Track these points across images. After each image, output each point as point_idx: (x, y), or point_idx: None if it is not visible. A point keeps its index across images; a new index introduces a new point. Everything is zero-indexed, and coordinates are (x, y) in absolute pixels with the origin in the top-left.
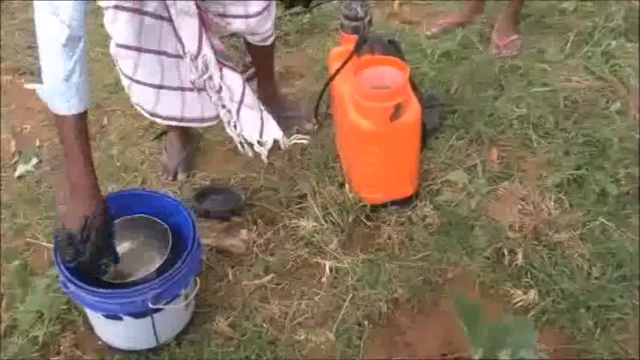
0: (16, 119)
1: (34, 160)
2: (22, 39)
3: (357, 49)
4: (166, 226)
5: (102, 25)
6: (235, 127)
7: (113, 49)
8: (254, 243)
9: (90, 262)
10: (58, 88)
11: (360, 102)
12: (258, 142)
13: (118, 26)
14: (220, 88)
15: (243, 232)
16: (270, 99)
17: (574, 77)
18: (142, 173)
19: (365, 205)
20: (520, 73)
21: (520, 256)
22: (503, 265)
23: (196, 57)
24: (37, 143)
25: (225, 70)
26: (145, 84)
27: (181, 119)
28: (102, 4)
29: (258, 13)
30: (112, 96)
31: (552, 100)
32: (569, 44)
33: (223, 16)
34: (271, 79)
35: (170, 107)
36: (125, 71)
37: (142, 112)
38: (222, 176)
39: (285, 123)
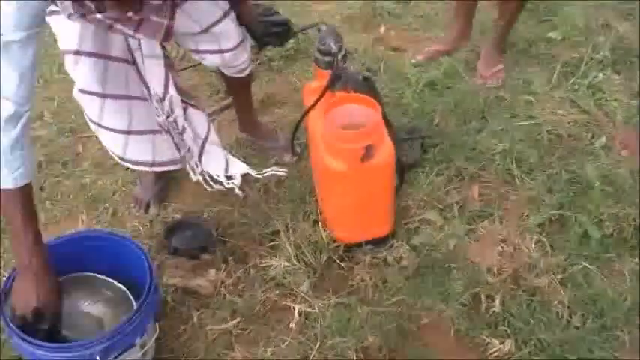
0: None
1: None
2: None
3: (331, 85)
4: (124, 288)
5: None
6: (197, 165)
7: (76, 94)
8: (222, 283)
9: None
10: (2, 161)
11: (330, 142)
12: (227, 178)
13: (80, 71)
14: (184, 129)
15: (212, 271)
16: (249, 128)
17: (559, 110)
18: (112, 204)
19: (339, 245)
20: (505, 104)
21: (497, 302)
22: (479, 311)
23: (163, 99)
24: None
25: (190, 109)
26: (113, 130)
27: (152, 164)
28: (62, 47)
29: (232, 49)
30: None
31: (536, 134)
32: (555, 75)
33: (196, 51)
34: (249, 108)
35: (140, 152)
36: (91, 117)
37: (113, 156)
38: (196, 209)
39: (263, 153)
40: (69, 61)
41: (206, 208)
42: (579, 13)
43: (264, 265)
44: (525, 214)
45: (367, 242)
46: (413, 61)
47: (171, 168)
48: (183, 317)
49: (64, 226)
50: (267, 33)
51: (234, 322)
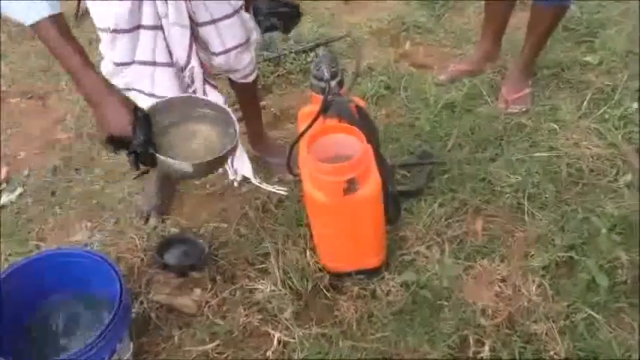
0: (14, 144)
1: (19, 190)
2: (37, 62)
3: (322, 112)
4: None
5: None
6: None
7: (106, 67)
8: (207, 303)
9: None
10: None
11: (312, 173)
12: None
13: (117, 48)
14: None
15: (197, 291)
16: (256, 140)
17: (584, 142)
18: (116, 213)
19: (326, 274)
20: (525, 132)
21: (487, 347)
22: (467, 356)
23: (184, 68)
24: (26, 172)
25: (208, 87)
26: (140, 91)
27: None
28: (98, 26)
29: (237, 47)
30: None
31: (555, 167)
32: (585, 103)
33: (206, 50)
34: (257, 119)
35: (165, 87)
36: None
37: (139, 97)
38: (193, 224)
39: (269, 169)
40: (106, 40)
41: (204, 223)
42: (621, 37)
43: (250, 287)
44: (531, 254)
45: (357, 272)
46: (436, 80)
47: None
48: (164, 336)
49: (68, 231)
50: (274, 11)
51: (213, 345)
